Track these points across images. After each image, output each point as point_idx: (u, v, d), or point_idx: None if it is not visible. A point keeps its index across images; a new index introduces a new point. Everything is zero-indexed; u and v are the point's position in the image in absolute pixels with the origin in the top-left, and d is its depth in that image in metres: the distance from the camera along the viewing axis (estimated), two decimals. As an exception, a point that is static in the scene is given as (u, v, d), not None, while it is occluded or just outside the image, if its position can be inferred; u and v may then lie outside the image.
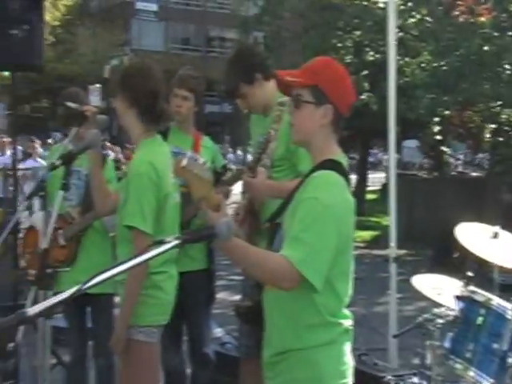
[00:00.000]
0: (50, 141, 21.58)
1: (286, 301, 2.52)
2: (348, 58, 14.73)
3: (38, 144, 13.30)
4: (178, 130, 4.48)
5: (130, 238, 3.36)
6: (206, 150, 4.45)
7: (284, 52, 16.54)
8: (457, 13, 14.69)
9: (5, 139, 13.29)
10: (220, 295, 4.65)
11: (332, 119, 2.58)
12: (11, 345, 1.86)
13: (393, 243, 5.27)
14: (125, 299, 3.37)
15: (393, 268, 5.24)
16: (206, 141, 4.62)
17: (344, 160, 2.64)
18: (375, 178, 25.41)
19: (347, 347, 2.60)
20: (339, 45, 15.48)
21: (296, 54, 16.25)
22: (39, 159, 13.70)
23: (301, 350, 2.52)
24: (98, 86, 25.31)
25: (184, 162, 2.45)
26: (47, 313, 2.03)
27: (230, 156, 28.31)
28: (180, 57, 39.29)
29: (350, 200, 2.55)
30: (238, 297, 4.82)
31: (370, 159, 26.35)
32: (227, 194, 4.21)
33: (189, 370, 4.65)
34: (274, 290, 2.53)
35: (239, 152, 24.29)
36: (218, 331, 4.99)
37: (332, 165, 2.56)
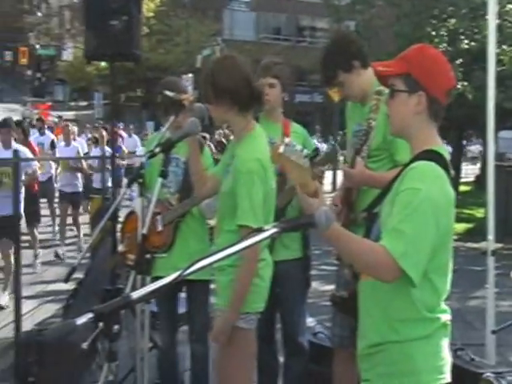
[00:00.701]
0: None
1: (382, 293, 2.48)
2: (442, 47, 14.40)
3: (105, 132, 13.34)
4: (266, 118, 4.42)
5: (234, 230, 3.36)
6: (296, 136, 4.39)
7: (376, 41, 16.34)
8: (559, -2, 14.17)
9: (71, 127, 13.35)
10: (311, 285, 4.63)
11: (427, 106, 2.51)
12: (116, 327, 1.90)
13: (491, 236, 5.12)
14: (237, 288, 3.34)
15: (490, 261, 5.09)
16: (295, 127, 4.57)
17: (445, 151, 2.56)
18: (468, 170, 24.82)
19: (445, 342, 2.53)
20: (433, 33, 15.17)
21: (389, 42, 16.03)
22: (107, 147, 13.69)
23: (396, 342, 2.47)
24: (190, 75, 25.69)
25: (281, 149, 2.45)
26: (149, 297, 2.08)
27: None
28: (271, 46, 39.40)
29: (450, 193, 2.47)
30: (329, 286, 4.81)
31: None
32: (321, 176, 4.17)
33: (281, 359, 4.64)
34: (369, 281, 2.49)
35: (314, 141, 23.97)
36: (309, 321, 4.98)
37: (431, 155, 2.49)
